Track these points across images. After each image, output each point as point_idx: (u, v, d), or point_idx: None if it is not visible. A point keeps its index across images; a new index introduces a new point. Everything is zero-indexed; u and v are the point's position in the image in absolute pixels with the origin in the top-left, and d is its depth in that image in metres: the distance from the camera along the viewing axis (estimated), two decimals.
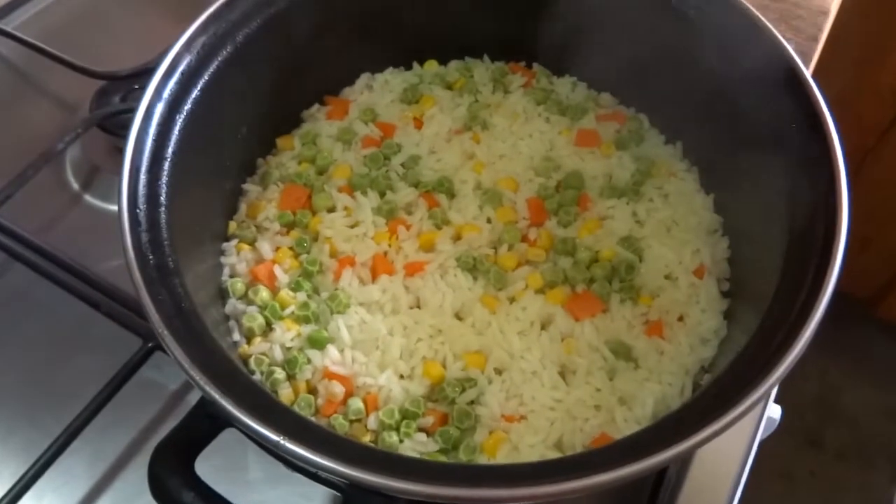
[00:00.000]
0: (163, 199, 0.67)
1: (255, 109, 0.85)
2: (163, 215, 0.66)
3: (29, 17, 1.19)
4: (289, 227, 0.84)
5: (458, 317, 0.78)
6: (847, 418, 2.17)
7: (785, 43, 0.71)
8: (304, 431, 0.55)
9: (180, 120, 0.72)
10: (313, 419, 0.71)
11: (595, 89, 0.96)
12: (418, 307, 0.78)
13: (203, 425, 0.59)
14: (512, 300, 0.78)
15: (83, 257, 0.91)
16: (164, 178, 0.68)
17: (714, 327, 0.76)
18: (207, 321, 0.64)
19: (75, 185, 1.01)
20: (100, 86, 1.04)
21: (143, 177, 0.66)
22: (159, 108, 0.70)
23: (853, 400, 2.19)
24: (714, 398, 0.57)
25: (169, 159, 0.70)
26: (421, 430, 0.70)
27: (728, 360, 0.64)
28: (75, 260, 0.90)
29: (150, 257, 0.62)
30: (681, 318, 0.77)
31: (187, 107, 0.72)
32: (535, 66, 0.98)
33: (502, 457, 0.69)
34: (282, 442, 0.52)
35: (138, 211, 0.64)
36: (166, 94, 0.71)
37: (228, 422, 0.57)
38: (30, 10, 1.19)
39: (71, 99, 1.09)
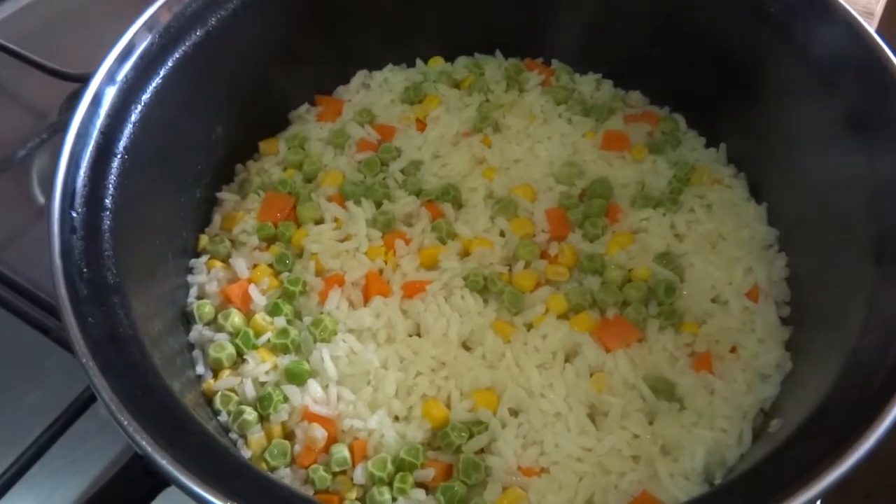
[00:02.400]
0: (108, 202, 0.57)
1: (232, 107, 0.76)
2: (107, 221, 0.56)
3: (3, 19, 1.12)
4: (269, 241, 0.75)
5: (466, 346, 0.68)
6: (875, 457, 2.03)
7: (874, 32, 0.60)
8: (262, 495, 0.43)
9: (137, 110, 0.62)
10: (287, 471, 0.61)
11: (622, 87, 0.87)
12: (418, 335, 0.68)
13: (138, 483, 0.47)
14: (530, 327, 0.68)
15: (44, 278, 0.80)
16: (113, 178, 0.58)
17: (775, 360, 0.65)
18: (158, 352, 0.54)
19: (41, 199, 0.92)
20: (72, 90, 0.96)
21: (83, 173, 0.56)
22: (110, 94, 0.60)
23: None
24: (801, 455, 0.44)
25: (120, 155, 0.60)
26: (419, 485, 0.60)
27: (805, 404, 0.52)
28: (30, 280, 0.81)
29: (84, 270, 0.52)
30: (734, 350, 0.66)
31: (146, 96, 0.63)
32: (555, 62, 0.89)
33: None
34: None
35: (74, 213, 0.54)
36: (120, 77, 0.61)
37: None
38: (5, 11, 1.13)
39: (42, 104, 1.01)
